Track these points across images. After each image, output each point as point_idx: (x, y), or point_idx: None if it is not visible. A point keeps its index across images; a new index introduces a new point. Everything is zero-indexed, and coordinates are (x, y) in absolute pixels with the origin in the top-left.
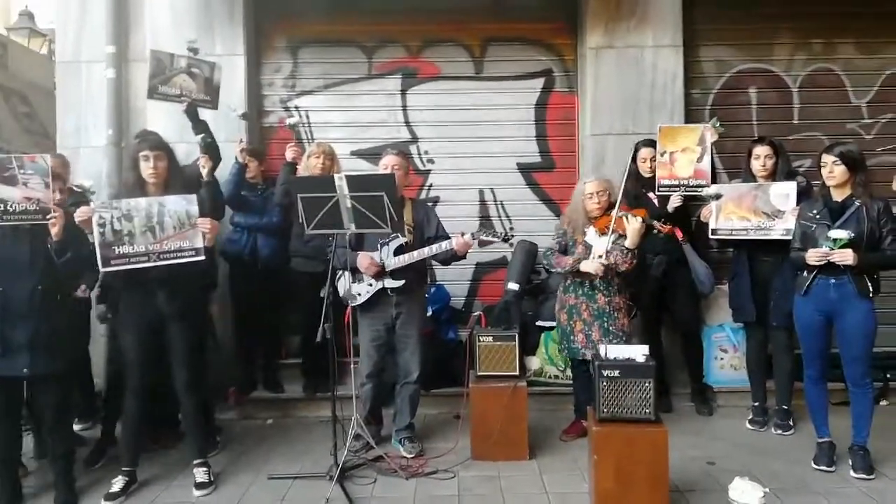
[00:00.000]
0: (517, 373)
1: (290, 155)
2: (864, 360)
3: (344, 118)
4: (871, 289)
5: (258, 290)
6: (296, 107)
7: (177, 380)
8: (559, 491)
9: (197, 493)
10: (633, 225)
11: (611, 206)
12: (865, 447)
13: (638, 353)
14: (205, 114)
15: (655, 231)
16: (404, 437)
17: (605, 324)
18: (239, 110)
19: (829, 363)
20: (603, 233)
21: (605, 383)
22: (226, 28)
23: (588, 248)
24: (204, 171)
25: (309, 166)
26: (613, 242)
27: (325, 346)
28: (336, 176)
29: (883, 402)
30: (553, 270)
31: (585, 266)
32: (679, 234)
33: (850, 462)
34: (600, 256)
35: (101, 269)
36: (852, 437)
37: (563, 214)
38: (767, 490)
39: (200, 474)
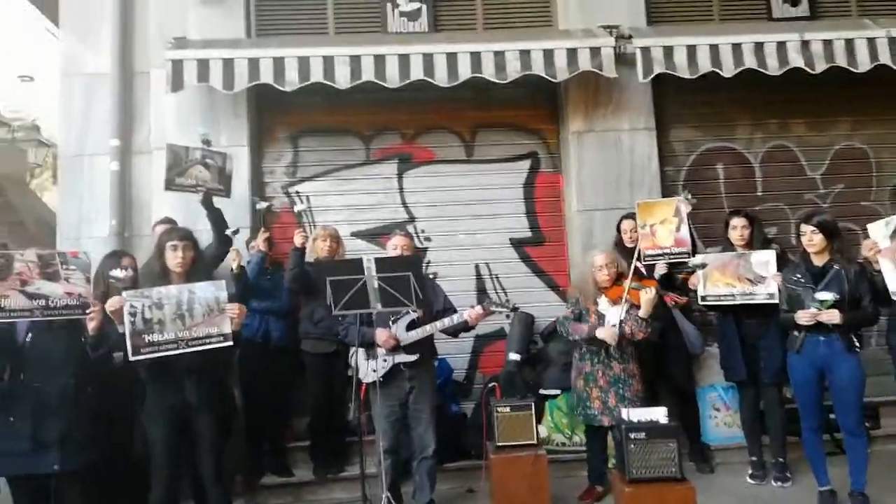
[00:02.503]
0: (535, 441)
1: (298, 240)
2: (857, 410)
3: (343, 201)
4: (857, 344)
5: (267, 373)
6: (297, 192)
7: (204, 469)
8: None
9: None
10: (647, 296)
11: (619, 276)
12: (864, 493)
13: (659, 414)
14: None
15: (672, 304)
16: None
17: (621, 390)
18: (263, 204)
19: (825, 415)
20: (615, 302)
21: (632, 445)
22: (230, 121)
23: (601, 317)
24: (234, 265)
25: (316, 249)
26: (626, 312)
27: (344, 426)
28: (365, 258)
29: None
30: (570, 338)
31: (601, 333)
32: (683, 301)
33: None
34: (614, 325)
35: (131, 358)
36: (851, 484)
37: (572, 286)
38: None
39: None
